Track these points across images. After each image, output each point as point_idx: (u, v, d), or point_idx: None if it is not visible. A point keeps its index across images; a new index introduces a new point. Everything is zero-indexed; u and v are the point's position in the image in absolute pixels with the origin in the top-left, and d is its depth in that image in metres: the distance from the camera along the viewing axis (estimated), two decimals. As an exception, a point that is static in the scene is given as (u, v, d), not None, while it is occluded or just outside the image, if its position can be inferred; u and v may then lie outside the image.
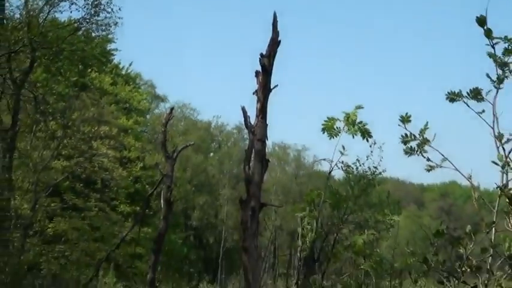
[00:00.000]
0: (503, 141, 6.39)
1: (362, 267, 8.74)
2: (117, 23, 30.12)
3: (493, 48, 6.37)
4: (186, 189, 72.66)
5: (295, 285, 7.30)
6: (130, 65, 67.75)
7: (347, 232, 14.16)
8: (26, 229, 28.07)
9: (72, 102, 33.23)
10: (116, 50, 52.59)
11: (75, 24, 28.18)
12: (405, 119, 6.73)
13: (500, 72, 6.40)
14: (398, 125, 6.73)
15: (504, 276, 6.00)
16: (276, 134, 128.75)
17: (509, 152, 6.33)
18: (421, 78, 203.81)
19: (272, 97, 20.70)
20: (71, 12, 32.28)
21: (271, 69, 20.44)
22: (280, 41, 20.40)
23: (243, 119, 20.77)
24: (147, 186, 52.76)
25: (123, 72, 63.37)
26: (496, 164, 6.42)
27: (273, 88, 20.46)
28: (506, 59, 6.34)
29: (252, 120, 20.39)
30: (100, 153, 37.37)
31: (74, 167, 36.44)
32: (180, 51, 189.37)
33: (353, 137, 7.47)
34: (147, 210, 43.07)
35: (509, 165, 6.30)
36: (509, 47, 6.32)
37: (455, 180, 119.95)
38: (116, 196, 49.53)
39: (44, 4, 27.43)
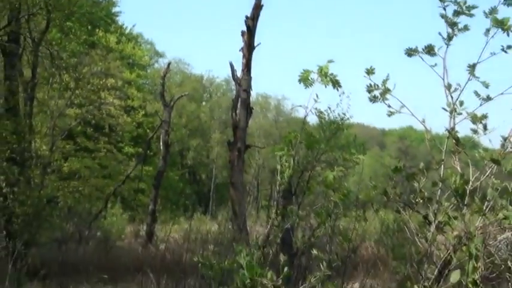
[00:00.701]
0: (451, 90, 6.46)
1: (332, 198, 8.79)
2: None
3: (445, 10, 6.43)
4: (181, 133, 72.61)
5: (274, 214, 7.38)
6: (133, 26, 67.91)
7: (319, 169, 14.23)
8: (45, 168, 28.06)
9: (82, 58, 33.08)
10: (120, 12, 52.27)
11: None
12: (370, 71, 6.78)
13: (450, 30, 6.46)
14: (364, 77, 6.79)
15: (450, 206, 6.08)
16: (259, 86, 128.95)
17: (456, 100, 6.40)
18: (389, 37, 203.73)
19: (256, 53, 20.85)
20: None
21: (255, 29, 20.63)
22: (262, 5, 20.58)
23: (231, 72, 20.97)
24: (148, 130, 52.62)
25: (127, 32, 63.49)
26: (445, 110, 6.50)
27: (257, 46, 20.68)
28: (455, 19, 6.40)
29: (239, 73, 20.59)
30: (107, 102, 37.20)
31: (85, 114, 36.29)
32: (178, 14, 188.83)
33: (325, 86, 7.53)
34: (148, 151, 43.12)
35: (456, 111, 6.37)
36: (458, 9, 6.38)
37: (411, 125, 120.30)
38: (121, 139, 49.52)
39: None
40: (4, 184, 18.53)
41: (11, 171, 19.56)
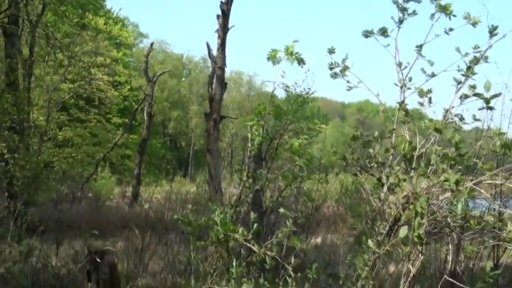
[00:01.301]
0: (401, 68, 6.51)
1: (297, 163, 8.83)
2: None
3: (403, 4, 6.50)
4: (163, 106, 72.64)
5: (246, 177, 7.42)
6: (120, 10, 67.73)
7: (287, 137, 14.28)
8: (42, 136, 28.20)
9: (74, 38, 33.24)
10: (106, -4, 51.96)
11: None
12: (331, 51, 6.81)
13: (401, 15, 6.51)
14: (326, 55, 6.83)
15: (400, 170, 6.15)
16: (233, 63, 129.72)
17: (406, 76, 6.46)
18: (350, 21, 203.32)
19: (230, 34, 20.96)
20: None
21: (229, 13, 20.78)
22: None
23: (207, 51, 21.05)
24: (133, 103, 52.41)
25: (114, 15, 63.39)
26: (396, 85, 6.56)
27: (230, 28, 20.80)
28: (405, 5, 6.45)
29: (214, 52, 20.71)
30: (97, 78, 37.41)
31: (77, 88, 36.51)
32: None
33: (291, 64, 7.55)
34: (133, 122, 43.12)
35: (405, 86, 6.43)
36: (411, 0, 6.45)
37: (368, 99, 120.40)
38: (109, 111, 49.43)
39: None
40: (6, 151, 18.60)
41: (11, 139, 19.63)
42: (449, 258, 6.75)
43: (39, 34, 27.14)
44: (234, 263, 5.90)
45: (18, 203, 14.96)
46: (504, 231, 5.62)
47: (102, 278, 8.91)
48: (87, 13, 39.22)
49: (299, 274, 5.95)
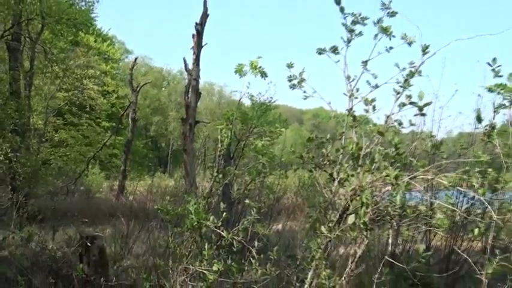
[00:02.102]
0: (350, 80, 6.56)
1: (261, 161, 8.86)
2: (98, 1, 30.96)
3: (345, 19, 6.51)
4: (145, 112, 72.72)
5: (216, 172, 7.43)
6: (109, 29, 67.76)
7: (252, 139, 14.33)
8: (40, 137, 28.32)
9: (69, 53, 33.37)
10: (97, 17, 51.31)
11: (71, 1, 28.72)
12: (290, 65, 6.83)
13: (349, 35, 6.55)
14: (285, 69, 6.86)
15: (348, 167, 6.19)
16: (206, 75, 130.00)
17: (353, 87, 6.51)
18: (307, 39, 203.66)
19: (204, 50, 21.12)
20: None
21: (203, 32, 20.94)
22: (208, 14, 20.97)
23: (184, 65, 21.19)
24: (119, 109, 52.14)
25: (103, 34, 63.19)
26: (345, 94, 6.60)
27: (204, 45, 20.97)
28: (352, 27, 6.50)
29: (190, 66, 20.79)
30: (88, 87, 37.68)
31: (71, 96, 36.76)
32: (145, 19, 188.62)
33: (255, 76, 7.55)
34: (119, 125, 42.91)
35: (353, 96, 6.48)
36: (354, 19, 6.48)
37: (322, 106, 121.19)
38: (99, 116, 49.20)
39: None
40: (9, 150, 18.58)
41: (14, 140, 19.65)
42: (390, 241, 6.81)
43: (38, 50, 27.32)
44: (206, 247, 5.91)
45: (20, 195, 14.89)
46: (434, 218, 5.70)
47: (93, 260, 8.96)
48: (79, 32, 39.37)
49: (262, 256, 5.98)
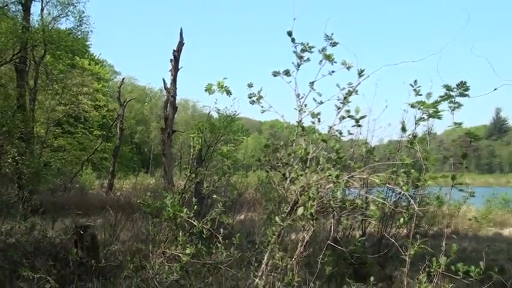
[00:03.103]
0: (300, 98, 6.59)
1: (226, 163, 8.89)
2: (92, 30, 30.91)
3: (295, 48, 6.54)
4: (131, 123, 72.41)
5: (189, 172, 7.44)
6: (100, 54, 67.29)
7: (219, 145, 14.34)
8: (42, 144, 28.23)
9: (67, 74, 33.20)
10: (91, 44, 50.98)
11: (69, 31, 28.66)
12: (250, 85, 6.84)
13: (298, 61, 6.58)
14: (246, 88, 6.87)
15: (298, 168, 6.22)
16: (182, 92, 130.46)
17: (302, 103, 6.54)
18: (267, 62, 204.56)
19: (181, 72, 21.28)
20: (66, 21, 33.37)
21: (179, 58, 21.10)
22: (184, 43, 21.19)
23: (163, 85, 21.32)
24: (109, 120, 51.67)
25: (96, 58, 62.97)
26: (296, 109, 6.63)
27: (180, 68, 21.25)
28: (302, 54, 6.53)
29: (169, 85, 20.90)
30: (83, 102, 37.49)
31: (68, 110, 36.44)
32: (133, 46, 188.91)
33: (221, 94, 7.54)
34: (109, 134, 42.66)
35: (302, 110, 6.52)
36: (303, 48, 6.51)
37: (278, 119, 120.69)
38: (92, 126, 48.84)
39: (51, 20, 28.17)
40: (16, 154, 18.55)
41: (20, 146, 19.60)
42: (332, 229, 6.86)
43: (41, 71, 27.40)
44: (181, 234, 5.90)
45: (25, 191, 14.78)
46: (368, 210, 5.76)
47: (85, 245, 8.93)
48: (76, 56, 39.30)
49: (227, 241, 5.98)
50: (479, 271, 5.29)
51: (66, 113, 38.08)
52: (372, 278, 5.56)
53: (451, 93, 5.85)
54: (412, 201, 6.12)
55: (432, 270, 5.34)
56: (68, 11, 31.31)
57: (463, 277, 5.28)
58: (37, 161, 22.01)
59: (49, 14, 30.15)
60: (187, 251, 5.75)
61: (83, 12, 32.67)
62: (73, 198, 23.49)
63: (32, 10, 25.66)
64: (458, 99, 5.84)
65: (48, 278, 7.03)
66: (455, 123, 5.92)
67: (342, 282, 5.62)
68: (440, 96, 5.95)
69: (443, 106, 5.98)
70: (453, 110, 5.88)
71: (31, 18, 25.89)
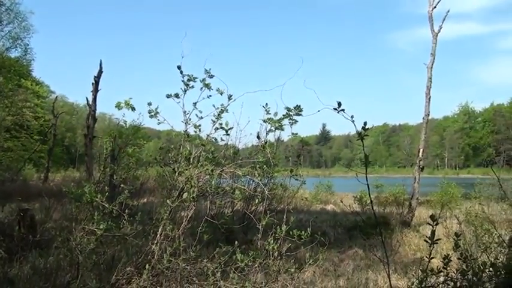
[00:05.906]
0: (186, 113, 6.34)
1: (131, 161, 8.58)
2: (33, 59, 30.77)
3: (183, 77, 6.27)
4: (62, 130, 69.69)
5: (104, 167, 7.02)
6: (40, 77, 63.31)
7: (128, 147, 13.80)
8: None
9: (14, 92, 31.70)
10: (33, 70, 47.68)
11: (17, 59, 27.69)
12: (149, 104, 6.44)
13: (185, 87, 6.30)
14: (146, 106, 6.52)
15: (183, 164, 5.99)
16: (101, 108, 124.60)
17: (188, 118, 6.28)
18: (171, 85, 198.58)
19: (100, 93, 20.49)
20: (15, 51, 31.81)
21: (99, 82, 20.69)
22: (102, 71, 21.25)
23: (87, 102, 20.68)
24: (46, 128, 48.42)
25: (37, 79, 59.10)
26: (183, 122, 6.39)
27: (99, 90, 21.04)
28: (187, 82, 6.27)
29: (91, 102, 20.64)
30: (26, 114, 36.68)
31: (15, 119, 35.05)
32: (66, 69, 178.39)
33: (128, 110, 7.12)
34: (45, 138, 40.81)
35: (187, 122, 6.29)
36: (189, 78, 6.26)
37: (171, 128, 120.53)
38: (32, 132, 46.73)
39: (4, 50, 27.43)
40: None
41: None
42: (209, 207, 6.68)
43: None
44: (96, 214, 5.54)
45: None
46: (235, 194, 5.74)
47: (26, 224, 8.78)
48: (21, 78, 37.43)
49: (132, 218, 5.68)
50: (307, 234, 5.55)
51: (14, 122, 36.77)
52: (236, 242, 5.48)
53: (290, 112, 6.02)
54: (264, 188, 6.11)
55: (277, 235, 5.44)
56: (17, 44, 30.26)
57: (298, 239, 5.44)
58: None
59: (3, 45, 30.50)
60: (101, 227, 5.42)
61: (28, 45, 31.71)
62: (18, 187, 21.75)
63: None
64: (295, 117, 6.04)
65: (-1, 249, 6.52)
66: (293, 133, 6.16)
67: (216, 246, 5.50)
68: (283, 115, 6.06)
69: (285, 121, 6.09)
70: (292, 124, 6.09)
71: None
